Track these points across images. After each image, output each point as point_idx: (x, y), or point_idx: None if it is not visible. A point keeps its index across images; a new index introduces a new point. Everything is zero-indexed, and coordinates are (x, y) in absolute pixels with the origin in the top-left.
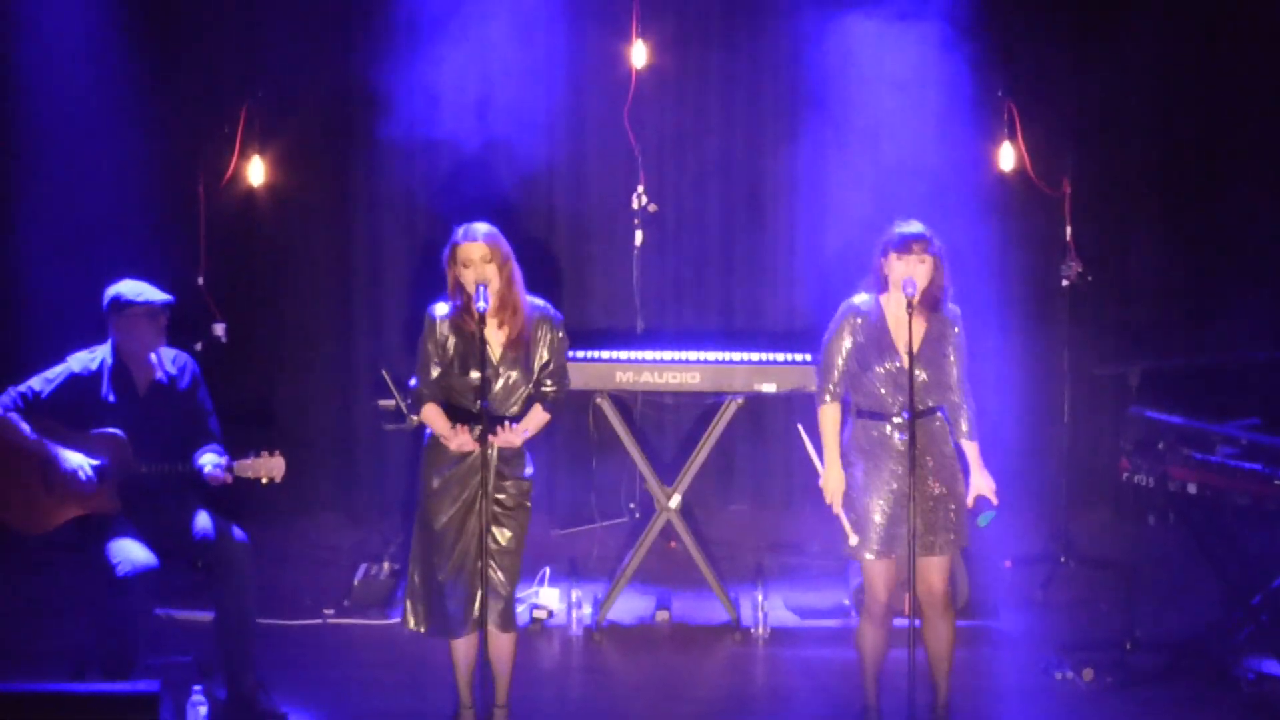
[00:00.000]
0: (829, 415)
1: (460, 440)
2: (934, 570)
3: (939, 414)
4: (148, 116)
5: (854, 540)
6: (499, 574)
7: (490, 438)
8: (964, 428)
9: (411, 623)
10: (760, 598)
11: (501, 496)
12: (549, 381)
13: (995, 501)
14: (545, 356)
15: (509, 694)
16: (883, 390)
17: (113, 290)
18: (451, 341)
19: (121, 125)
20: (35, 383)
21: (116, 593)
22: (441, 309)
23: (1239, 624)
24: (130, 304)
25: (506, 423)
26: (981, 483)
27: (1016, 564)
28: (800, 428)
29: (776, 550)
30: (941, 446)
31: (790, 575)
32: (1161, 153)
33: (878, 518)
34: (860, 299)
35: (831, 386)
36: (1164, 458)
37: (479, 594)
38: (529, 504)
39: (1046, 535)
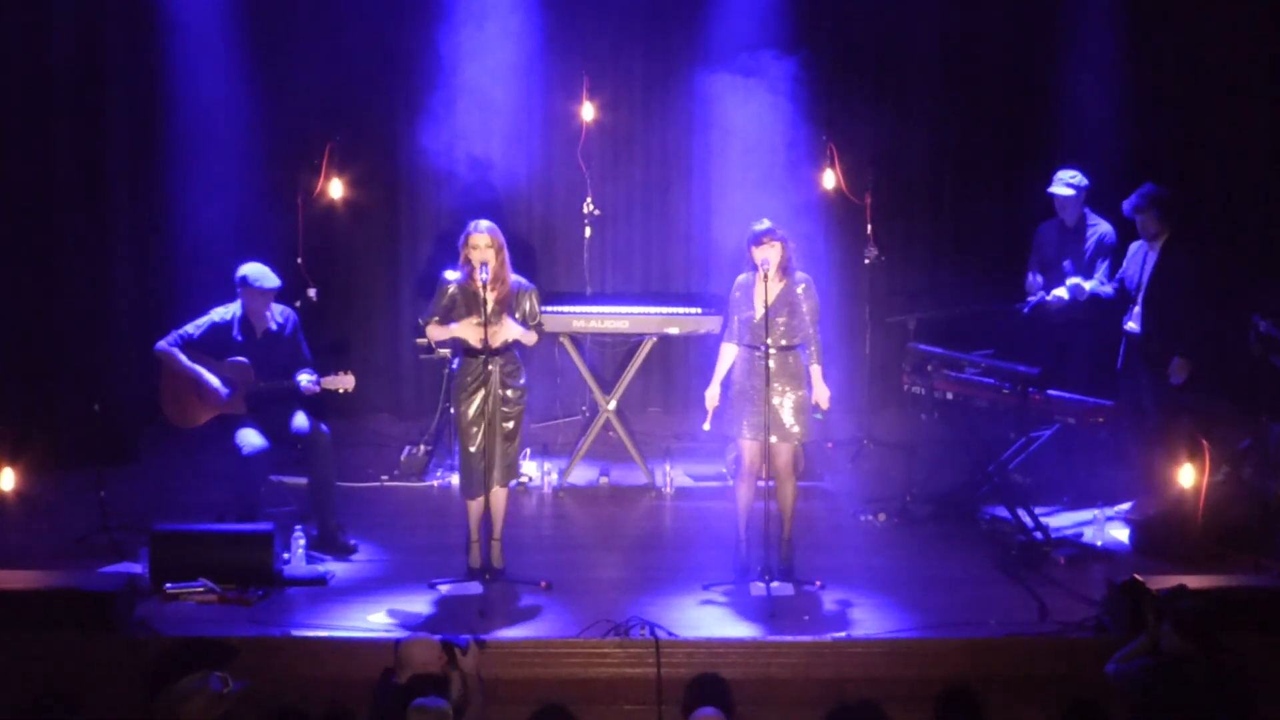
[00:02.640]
0: (723, 350)
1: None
2: (784, 452)
3: (798, 349)
4: (264, 149)
5: (707, 427)
6: (505, 450)
7: (491, 327)
8: (814, 355)
9: (457, 486)
10: (668, 468)
11: (506, 409)
12: (530, 325)
13: (826, 408)
14: (529, 311)
15: (503, 530)
16: (754, 332)
17: (243, 270)
18: (456, 298)
19: (247, 156)
20: (189, 327)
21: (242, 466)
22: (451, 275)
23: (979, 485)
24: (254, 285)
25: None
26: (820, 393)
27: (835, 445)
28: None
29: (679, 437)
30: (795, 370)
31: (687, 454)
32: (928, 176)
33: (749, 414)
34: (743, 276)
35: (727, 332)
36: (931, 376)
37: (490, 466)
38: (524, 404)
39: (854, 426)
